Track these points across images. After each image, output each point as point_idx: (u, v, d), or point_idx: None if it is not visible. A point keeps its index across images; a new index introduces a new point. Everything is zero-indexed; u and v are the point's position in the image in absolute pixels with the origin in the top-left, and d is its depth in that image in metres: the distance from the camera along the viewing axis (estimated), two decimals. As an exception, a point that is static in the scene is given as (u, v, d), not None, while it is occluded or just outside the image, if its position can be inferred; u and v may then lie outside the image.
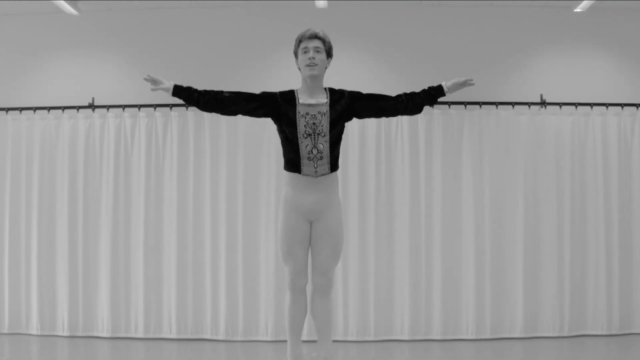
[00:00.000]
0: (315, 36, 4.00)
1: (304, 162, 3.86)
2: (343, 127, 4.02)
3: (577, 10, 6.77)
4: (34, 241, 6.78)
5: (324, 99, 3.97)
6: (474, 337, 6.58)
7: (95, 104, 6.90)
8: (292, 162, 3.93)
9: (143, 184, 6.74)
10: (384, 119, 6.71)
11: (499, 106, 6.75)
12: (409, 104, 4.05)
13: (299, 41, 4.03)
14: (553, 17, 6.97)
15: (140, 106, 6.81)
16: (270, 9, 6.99)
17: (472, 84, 4.18)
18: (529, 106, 6.75)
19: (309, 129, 3.86)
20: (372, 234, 6.62)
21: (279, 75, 6.96)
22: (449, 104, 6.73)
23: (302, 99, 3.97)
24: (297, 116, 3.86)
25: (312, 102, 3.93)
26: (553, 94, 6.83)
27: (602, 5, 6.74)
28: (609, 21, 6.97)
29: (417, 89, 6.64)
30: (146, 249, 6.69)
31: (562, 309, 6.61)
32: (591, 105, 6.74)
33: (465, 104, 6.72)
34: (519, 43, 6.97)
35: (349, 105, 3.98)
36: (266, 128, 6.75)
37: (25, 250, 6.81)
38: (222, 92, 4.01)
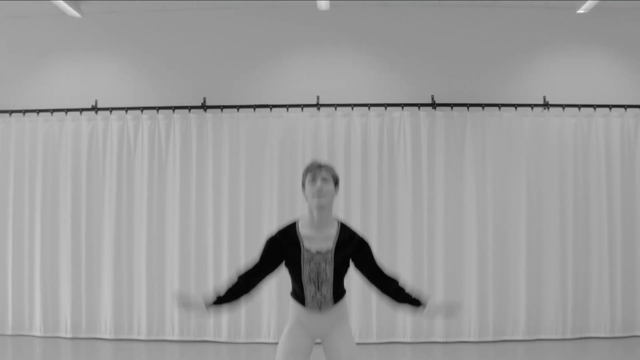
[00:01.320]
0: (322, 166, 3.77)
1: (308, 301, 3.78)
2: (347, 268, 3.82)
3: (580, 11, 6.74)
4: (37, 243, 6.80)
5: (330, 238, 3.75)
6: (476, 339, 6.57)
7: (98, 106, 6.91)
8: (297, 295, 3.85)
9: (145, 186, 6.75)
10: (386, 118, 6.72)
11: (502, 108, 6.74)
12: (392, 295, 3.77)
13: (306, 172, 3.86)
14: (556, 18, 6.95)
15: (142, 108, 6.82)
16: (272, 10, 6.99)
17: (453, 315, 3.89)
18: (532, 108, 6.73)
19: (313, 275, 3.74)
20: (375, 235, 6.61)
21: (281, 76, 6.97)
22: (452, 105, 6.72)
23: (307, 240, 3.75)
24: (302, 261, 3.74)
25: (317, 249, 3.73)
26: (556, 95, 6.81)
27: (605, 7, 6.72)
28: (612, 22, 6.94)
29: (419, 89, 6.82)
30: (149, 251, 6.71)
31: (564, 311, 6.59)
32: (594, 106, 6.72)
33: (468, 105, 6.71)
34: (522, 44, 6.95)
35: (354, 252, 3.77)
36: (268, 131, 6.76)
37: (28, 252, 6.83)
38: (239, 282, 3.85)
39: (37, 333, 6.78)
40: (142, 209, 6.74)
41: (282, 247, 3.77)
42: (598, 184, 6.68)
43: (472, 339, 6.56)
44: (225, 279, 6.62)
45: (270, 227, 6.62)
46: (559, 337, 6.57)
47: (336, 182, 3.78)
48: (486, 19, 6.97)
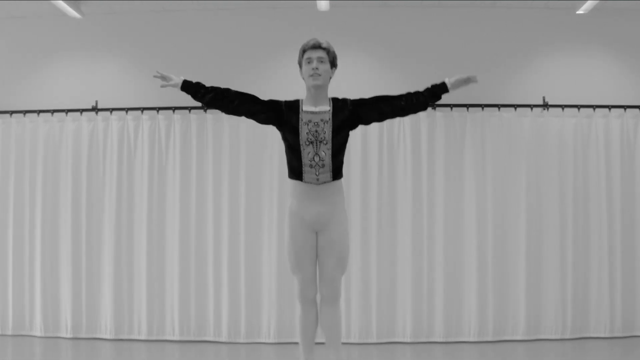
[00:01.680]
0: (318, 46, 3.98)
1: (306, 169, 3.88)
2: (347, 135, 4.03)
3: (580, 12, 6.75)
4: (37, 243, 6.81)
5: (327, 107, 3.99)
6: (476, 339, 6.57)
7: (99, 106, 6.93)
8: (295, 170, 3.95)
9: (146, 187, 6.76)
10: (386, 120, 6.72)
11: (502, 108, 6.75)
12: (413, 102, 4.06)
13: (303, 51, 4.01)
14: (555, 18, 6.96)
15: (143, 109, 6.83)
16: (272, 11, 7.00)
17: (476, 82, 4.17)
18: (532, 108, 6.74)
19: (311, 136, 3.87)
20: (375, 235, 6.62)
21: (282, 76, 6.98)
22: (451, 106, 6.73)
23: (306, 107, 4.00)
24: (300, 123, 3.88)
25: (315, 110, 3.95)
26: (555, 96, 6.82)
27: (604, 7, 6.73)
28: (612, 23, 6.95)
29: (419, 90, 6.81)
30: (149, 251, 6.72)
31: (564, 311, 6.60)
32: (594, 107, 6.73)
33: (468, 106, 6.72)
34: (521, 45, 6.96)
35: (352, 113, 3.98)
36: (269, 131, 6.76)
37: (28, 252, 6.84)
38: (229, 89, 4.05)
39: (38, 333, 6.79)
40: (142, 209, 6.75)
41: (281, 112, 3.97)
42: (598, 184, 6.69)
43: (471, 339, 6.57)
44: (226, 276, 6.65)
45: (271, 227, 6.65)
46: (559, 337, 6.58)
47: (333, 62, 3.95)
48: (486, 19, 6.98)
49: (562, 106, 6.72)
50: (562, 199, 6.67)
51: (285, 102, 4.06)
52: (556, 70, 6.95)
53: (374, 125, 6.72)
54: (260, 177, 6.73)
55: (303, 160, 3.88)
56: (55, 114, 6.91)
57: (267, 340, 6.62)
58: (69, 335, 6.74)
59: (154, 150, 6.81)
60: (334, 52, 4.03)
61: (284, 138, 4.02)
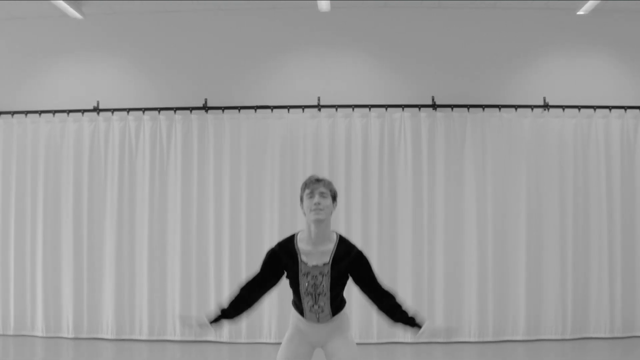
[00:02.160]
0: (320, 181, 3.81)
1: (307, 313, 3.83)
2: (346, 280, 3.84)
3: (580, 12, 6.75)
4: (39, 244, 6.83)
5: (327, 253, 3.77)
6: (476, 339, 6.59)
7: (100, 107, 6.94)
8: (297, 305, 3.91)
9: (147, 187, 6.78)
10: (386, 119, 6.75)
11: (502, 109, 6.75)
12: (388, 312, 3.77)
13: (304, 186, 3.89)
14: (556, 19, 6.96)
15: (144, 109, 6.85)
16: (273, 11, 7.01)
17: (451, 336, 3.87)
18: (532, 109, 6.75)
19: (310, 288, 3.77)
20: (375, 236, 6.63)
21: (282, 77, 6.99)
22: (452, 106, 6.74)
23: (305, 254, 3.78)
24: (300, 274, 3.79)
25: (314, 263, 3.77)
26: (556, 96, 6.82)
27: (605, 8, 6.73)
28: (612, 23, 6.95)
29: (419, 91, 6.83)
30: (150, 252, 6.73)
31: (564, 311, 6.61)
32: (594, 107, 6.73)
33: (468, 106, 6.73)
34: (522, 45, 6.96)
35: (352, 265, 3.78)
36: (269, 131, 6.78)
37: (30, 252, 6.86)
38: (242, 294, 3.88)
39: (39, 333, 6.80)
40: (143, 210, 6.77)
41: (281, 260, 3.81)
42: (598, 184, 6.70)
43: (472, 340, 6.58)
44: (227, 276, 6.66)
45: (272, 227, 6.66)
46: (559, 337, 6.59)
47: (334, 197, 3.81)
48: (486, 20, 6.99)
49: (563, 107, 6.73)
50: (562, 199, 6.68)
51: (280, 246, 3.86)
52: (557, 71, 6.95)
53: (375, 126, 6.74)
54: (261, 177, 6.74)
55: (303, 305, 3.83)
56: (56, 114, 6.92)
57: (267, 341, 6.63)
58: (70, 336, 6.75)
59: (155, 151, 6.82)
60: (334, 190, 3.87)
61: (287, 276, 3.88)
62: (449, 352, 6.34)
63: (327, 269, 3.77)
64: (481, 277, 6.60)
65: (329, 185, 3.80)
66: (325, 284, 3.77)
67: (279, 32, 7.02)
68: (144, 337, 6.70)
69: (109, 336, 6.72)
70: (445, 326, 3.88)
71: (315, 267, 3.76)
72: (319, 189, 3.75)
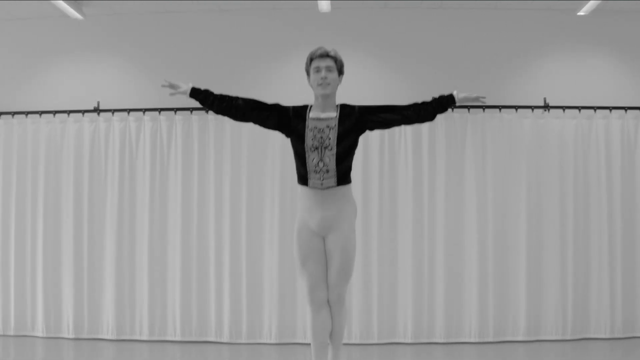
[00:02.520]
0: (326, 54, 4.01)
1: (311, 175, 3.89)
2: (354, 141, 4.01)
3: (581, 13, 6.76)
4: (39, 244, 6.83)
5: (334, 113, 3.99)
6: (476, 340, 6.59)
7: (101, 107, 6.94)
8: (301, 175, 3.98)
9: (147, 188, 6.78)
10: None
11: (502, 109, 6.75)
12: (420, 112, 4.03)
13: (310, 59, 4.01)
14: (556, 19, 6.97)
15: (145, 110, 6.85)
16: (273, 12, 7.01)
17: (484, 102, 4.15)
18: (532, 109, 6.75)
19: (315, 142, 3.88)
20: (375, 236, 6.63)
21: (283, 77, 6.99)
22: (452, 107, 6.72)
23: (313, 113, 4.00)
24: (306, 130, 3.90)
25: (321, 116, 3.96)
26: (556, 97, 6.82)
27: (605, 8, 6.73)
28: (613, 24, 6.96)
29: (419, 91, 6.81)
30: (151, 252, 6.73)
31: (565, 312, 6.61)
32: (594, 108, 6.74)
33: (469, 107, 6.73)
34: (522, 46, 6.97)
35: (358, 120, 3.98)
36: (270, 132, 6.75)
37: (30, 252, 6.86)
38: (237, 97, 4.07)
39: (39, 334, 6.81)
40: (144, 210, 6.77)
41: (289, 118, 3.99)
42: (598, 185, 6.70)
43: (472, 340, 6.59)
44: (228, 276, 6.66)
45: (272, 227, 6.67)
46: (559, 338, 6.59)
47: (340, 69, 3.98)
48: (486, 20, 6.99)
49: (563, 107, 6.73)
50: (563, 200, 6.68)
51: (293, 108, 4.08)
52: (557, 72, 6.95)
53: (375, 126, 6.73)
54: (262, 178, 6.74)
55: (308, 166, 3.90)
56: (57, 115, 6.92)
57: (268, 341, 6.63)
58: (70, 336, 6.76)
59: (156, 151, 6.82)
60: (341, 60, 4.06)
61: (292, 144, 4.05)
62: (449, 353, 6.34)
63: (335, 122, 3.94)
64: (481, 277, 6.61)
65: (334, 58, 3.97)
66: (332, 137, 3.86)
67: (279, 32, 7.03)
68: (144, 338, 6.70)
69: (109, 336, 6.73)
70: (474, 95, 4.03)
71: (323, 119, 3.94)
72: (325, 62, 3.93)
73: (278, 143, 6.75)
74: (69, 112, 6.88)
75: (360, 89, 6.96)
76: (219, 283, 6.70)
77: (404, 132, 6.75)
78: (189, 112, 6.84)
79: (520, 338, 6.59)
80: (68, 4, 6.44)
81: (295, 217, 4.16)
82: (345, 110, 4.02)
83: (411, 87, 6.93)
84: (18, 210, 6.89)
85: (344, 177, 3.95)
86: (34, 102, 7.05)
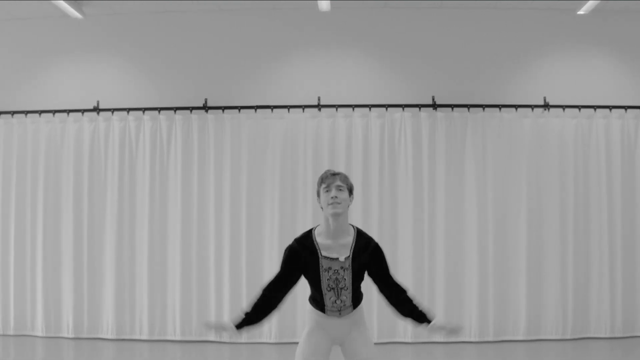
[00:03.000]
0: (336, 174, 3.82)
1: (328, 308, 3.82)
2: (364, 274, 3.86)
3: (581, 12, 6.76)
4: (39, 243, 6.83)
5: (347, 246, 3.79)
6: (477, 339, 6.59)
7: (100, 107, 6.93)
8: (317, 303, 3.88)
9: (147, 187, 6.78)
10: (387, 119, 6.76)
11: (502, 109, 6.75)
12: (398, 306, 3.84)
13: (321, 181, 3.90)
14: (556, 19, 6.96)
15: (144, 109, 6.84)
16: (273, 11, 7.01)
17: (458, 335, 3.95)
18: (532, 109, 6.75)
19: (332, 283, 3.76)
20: (375, 235, 6.55)
21: (282, 76, 6.99)
22: (452, 106, 6.74)
23: (324, 249, 3.77)
24: (320, 270, 3.78)
25: (334, 256, 3.77)
26: (556, 96, 6.82)
27: (605, 8, 6.73)
28: (613, 23, 6.95)
29: (419, 90, 6.83)
30: (150, 251, 6.73)
31: (565, 311, 6.60)
32: (594, 107, 6.73)
33: (469, 106, 6.72)
34: (522, 45, 6.97)
35: (370, 260, 3.80)
36: (270, 131, 6.78)
37: (30, 252, 6.86)
38: (263, 295, 3.89)
39: (39, 333, 6.80)
40: (143, 209, 6.77)
41: (301, 257, 3.79)
42: (598, 184, 6.70)
43: (472, 339, 6.58)
44: (227, 276, 6.66)
45: (272, 227, 6.66)
46: (559, 337, 6.59)
47: (350, 191, 3.83)
48: (487, 20, 6.99)
49: (563, 107, 6.73)
50: (563, 199, 6.68)
51: (298, 242, 3.84)
52: (557, 71, 6.95)
53: (375, 125, 6.74)
54: (262, 177, 6.73)
55: (325, 302, 3.82)
56: (56, 114, 6.92)
57: (268, 341, 6.63)
58: (70, 335, 6.75)
59: (156, 151, 6.82)
60: (350, 183, 3.88)
61: (306, 273, 3.86)
62: (449, 352, 6.34)
63: (349, 262, 3.77)
64: (482, 277, 6.60)
65: (345, 179, 3.84)
66: (347, 278, 3.77)
67: (279, 32, 7.02)
68: (144, 337, 6.70)
69: (109, 336, 6.72)
70: (454, 325, 3.84)
71: (337, 261, 3.76)
72: (335, 182, 3.78)
73: (278, 143, 6.75)
74: (69, 111, 6.88)
75: (360, 88, 6.97)
76: (219, 283, 6.69)
77: (404, 132, 6.74)
78: (188, 111, 6.84)
79: (520, 337, 6.59)
80: (68, 4, 6.44)
81: (308, 318, 3.96)
82: (360, 244, 3.80)
83: (411, 87, 6.93)
84: (18, 209, 6.89)
85: (358, 301, 3.88)
86: (33, 101, 7.04)
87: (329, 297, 3.81)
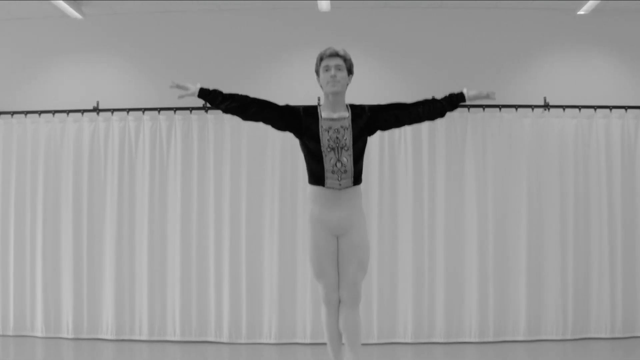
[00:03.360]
0: (336, 54, 4.05)
1: (328, 175, 3.91)
2: (365, 141, 4.07)
3: (581, 12, 6.76)
4: (38, 243, 6.82)
5: (345, 114, 4.01)
6: (477, 339, 6.58)
7: (100, 107, 6.93)
8: (316, 176, 3.98)
9: (147, 188, 6.77)
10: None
11: (502, 109, 6.74)
12: (431, 109, 4.07)
13: (320, 59, 4.06)
14: (556, 19, 6.97)
15: (144, 109, 6.84)
16: (273, 11, 7.01)
17: (494, 98, 4.16)
18: (533, 109, 6.74)
19: (332, 142, 3.91)
20: (375, 236, 6.62)
21: (282, 77, 6.99)
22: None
23: (325, 113, 4.00)
24: (321, 130, 3.92)
25: (335, 117, 3.98)
26: (556, 96, 6.82)
27: (605, 8, 6.73)
28: (613, 23, 6.96)
29: (419, 90, 6.80)
30: (150, 251, 6.73)
31: (565, 311, 6.60)
32: (595, 107, 6.73)
33: (469, 106, 6.72)
34: (522, 45, 6.97)
35: (370, 119, 4.02)
36: (270, 131, 6.75)
37: (30, 252, 6.85)
38: (247, 96, 4.08)
39: (39, 334, 6.79)
40: (143, 210, 6.76)
41: (300, 118, 4.01)
42: (598, 184, 6.70)
43: (472, 340, 6.57)
44: (227, 276, 6.65)
45: (272, 227, 6.65)
46: (560, 337, 6.58)
47: (350, 69, 4.00)
48: (486, 20, 6.99)
49: (563, 107, 6.72)
50: (563, 199, 6.67)
51: (303, 108, 4.10)
52: (557, 71, 6.95)
53: (375, 126, 6.73)
54: (262, 177, 6.73)
55: (325, 167, 3.91)
56: (56, 114, 6.92)
57: (268, 341, 6.62)
58: (70, 336, 6.74)
59: (155, 151, 6.82)
60: (350, 60, 4.09)
61: (303, 144, 4.05)
62: (449, 352, 6.33)
63: (348, 122, 3.96)
64: (482, 277, 6.60)
65: (344, 57, 3.99)
66: (347, 137, 3.87)
67: (279, 32, 7.02)
68: (144, 338, 6.69)
69: (109, 336, 6.71)
70: (487, 90, 4.02)
71: (337, 120, 3.95)
72: (334, 61, 3.96)
73: (278, 143, 6.75)
74: (68, 111, 6.88)
75: (360, 88, 6.92)
76: (219, 283, 6.69)
77: (403, 132, 6.74)
78: (188, 111, 6.83)
79: (520, 338, 6.58)
80: (68, 4, 6.44)
81: (306, 217, 4.14)
82: (356, 111, 4.04)
83: (411, 87, 6.92)
84: (17, 210, 6.88)
85: (358, 176, 4.01)
86: (33, 101, 7.04)
87: (329, 159, 3.93)
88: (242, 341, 6.63)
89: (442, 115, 4.12)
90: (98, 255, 6.78)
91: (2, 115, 7.01)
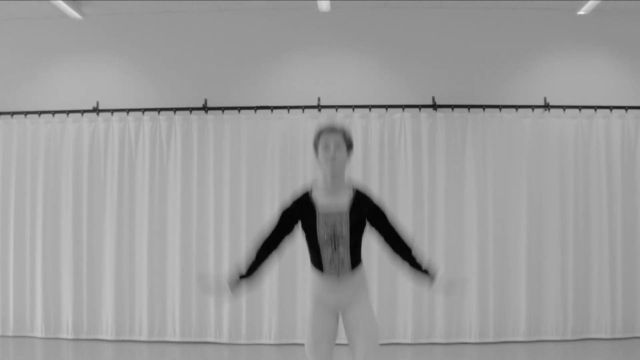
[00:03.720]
0: (334, 129, 3.80)
1: (326, 265, 3.75)
2: (363, 230, 3.81)
3: (581, 12, 6.75)
4: (38, 244, 6.82)
5: (345, 198, 3.76)
6: (477, 340, 6.57)
7: (100, 107, 6.92)
8: (315, 263, 3.83)
9: (147, 188, 6.77)
10: (387, 119, 6.75)
11: (503, 109, 6.74)
12: (403, 256, 3.80)
13: (319, 134, 3.81)
14: (556, 19, 6.96)
15: (144, 110, 6.84)
16: (273, 11, 7.00)
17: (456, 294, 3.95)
18: (533, 109, 6.74)
19: (328, 236, 3.67)
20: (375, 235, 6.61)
21: (282, 77, 6.98)
22: (452, 106, 6.73)
23: (322, 199, 3.76)
24: (317, 224, 3.72)
25: (332, 205, 3.74)
26: (557, 96, 6.81)
27: (605, 8, 6.72)
28: (613, 23, 6.95)
29: (420, 91, 6.82)
30: (150, 252, 6.72)
31: (565, 312, 6.59)
32: (595, 108, 6.72)
33: (469, 107, 6.72)
34: (523, 46, 6.96)
35: (367, 216, 3.77)
36: (269, 132, 6.77)
37: (30, 253, 6.85)
38: (257, 256, 3.82)
39: (39, 334, 6.79)
40: (143, 210, 6.76)
41: (295, 214, 3.78)
42: (598, 185, 6.69)
43: (472, 340, 6.57)
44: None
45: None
46: (560, 338, 6.58)
47: (349, 146, 3.78)
48: (487, 20, 6.98)
49: (563, 107, 6.72)
50: (563, 199, 6.67)
51: (296, 200, 3.86)
52: (557, 71, 6.94)
53: (375, 126, 6.73)
54: (261, 178, 6.73)
55: (323, 259, 3.75)
56: (56, 115, 6.91)
57: (268, 342, 6.62)
58: (69, 336, 6.74)
59: (155, 151, 6.81)
60: (350, 135, 3.81)
61: (302, 231, 3.85)
62: (449, 353, 6.33)
63: (346, 215, 3.73)
64: (482, 277, 6.59)
65: (344, 134, 3.75)
66: (344, 230, 3.71)
67: (279, 32, 7.02)
68: (143, 338, 6.69)
69: (108, 337, 6.71)
70: (451, 280, 3.81)
71: (333, 214, 3.72)
72: (334, 139, 3.71)
73: (277, 143, 6.74)
74: (68, 112, 6.87)
75: (360, 88, 6.96)
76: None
77: (404, 133, 6.74)
78: (188, 112, 6.83)
79: (520, 338, 6.58)
80: (68, 4, 6.43)
81: (308, 291, 3.95)
82: (359, 197, 3.77)
83: (411, 87, 6.92)
84: (17, 210, 6.88)
85: (357, 262, 3.81)
86: (33, 102, 7.04)
87: (326, 253, 3.74)
88: (242, 342, 6.63)
89: (408, 270, 3.82)
90: (98, 255, 6.78)
91: (2, 115, 7.01)
